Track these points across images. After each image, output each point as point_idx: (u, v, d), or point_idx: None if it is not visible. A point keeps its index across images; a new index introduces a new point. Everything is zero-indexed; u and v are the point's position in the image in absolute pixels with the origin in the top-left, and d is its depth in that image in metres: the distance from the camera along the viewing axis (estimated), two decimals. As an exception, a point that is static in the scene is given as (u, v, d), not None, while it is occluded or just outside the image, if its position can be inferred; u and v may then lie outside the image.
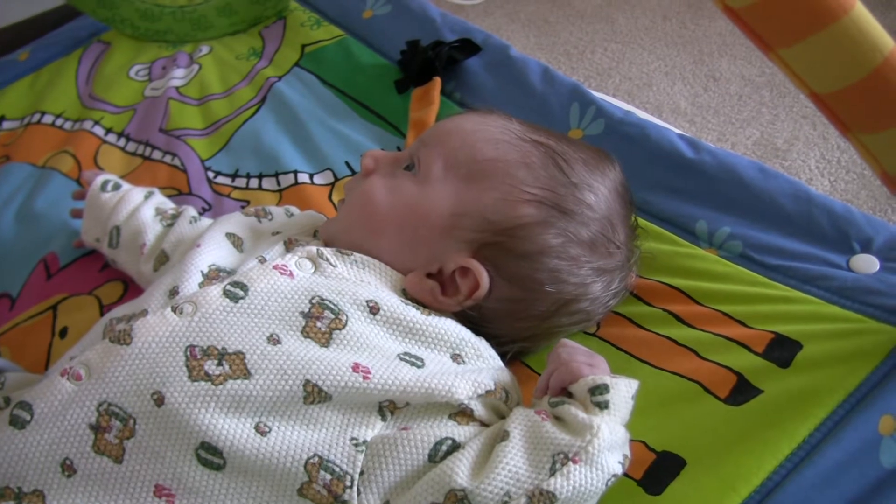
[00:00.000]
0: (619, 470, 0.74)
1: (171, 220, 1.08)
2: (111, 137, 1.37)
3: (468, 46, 1.30)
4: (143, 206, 1.09)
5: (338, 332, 0.80)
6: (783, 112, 1.83)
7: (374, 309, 0.83)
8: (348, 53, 1.42)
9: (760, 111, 1.85)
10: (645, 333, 0.95)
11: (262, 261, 0.88)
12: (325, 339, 0.80)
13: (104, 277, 1.14)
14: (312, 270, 0.86)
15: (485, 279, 0.86)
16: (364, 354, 0.79)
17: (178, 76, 1.45)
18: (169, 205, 1.13)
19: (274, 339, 0.79)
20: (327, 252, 0.88)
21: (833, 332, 0.88)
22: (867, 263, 0.94)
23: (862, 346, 0.86)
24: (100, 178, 1.13)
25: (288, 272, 0.85)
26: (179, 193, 1.25)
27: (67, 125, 1.41)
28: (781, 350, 0.88)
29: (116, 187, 1.13)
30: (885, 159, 0.75)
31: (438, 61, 1.27)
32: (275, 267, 0.85)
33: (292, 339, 0.79)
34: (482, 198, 0.88)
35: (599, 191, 0.91)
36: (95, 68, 1.51)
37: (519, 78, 1.26)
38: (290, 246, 0.92)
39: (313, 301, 0.82)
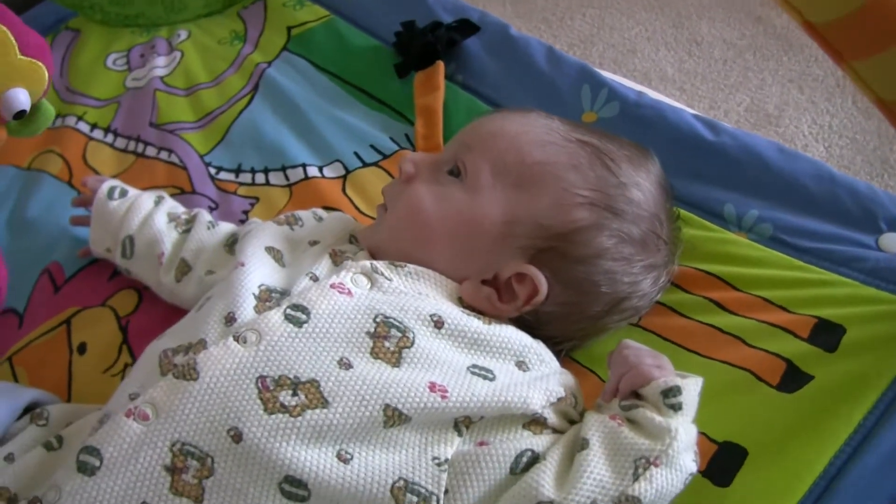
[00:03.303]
0: (694, 468, 0.76)
1: (185, 226, 1.06)
2: (97, 134, 1.32)
3: (466, 26, 1.28)
4: (155, 213, 1.06)
5: (407, 350, 0.80)
6: (769, 76, 1.85)
7: (438, 323, 0.82)
8: (338, 35, 1.38)
9: (747, 76, 1.87)
10: (688, 322, 0.96)
11: (314, 278, 0.87)
12: (396, 359, 0.79)
13: (115, 286, 1.11)
14: (369, 286, 0.85)
15: (544, 285, 0.86)
16: (436, 371, 0.79)
17: (161, 65, 1.39)
18: (180, 209, 1.10)
19: (345, 364, 0.78)
20: (381, 266, 0.87)
21: (873, 315, 0.90)
22: (895, 242, 0.96)
23: (902, 327, 0.89)
24: (105, 185, 1.09)
25: (346, 290, 0.83)
26: (182, 192, 1.21)
27: (49, 122, 1.35)
28: (826, 335, 0.90)
29: (123, 194, 1.09)
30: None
31: (439, 44, 1.25)
32: (332, 286, 0.83)
33: (363, 361, 0.79)
34: (534, 203, 0.88)
35: (645, 187, 0.91)
36: (68, 59, 1.45)
37: (523, 59, 1.25)
38: (336, 259, 0.90)
39: (377, 320, 0.81)
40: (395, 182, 0.97)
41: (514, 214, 0.88)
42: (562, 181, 0.88)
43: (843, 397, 0.85)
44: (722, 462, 0.84)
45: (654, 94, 1.18)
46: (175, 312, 1.04)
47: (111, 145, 1.30)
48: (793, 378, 0.88)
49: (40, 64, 0.90)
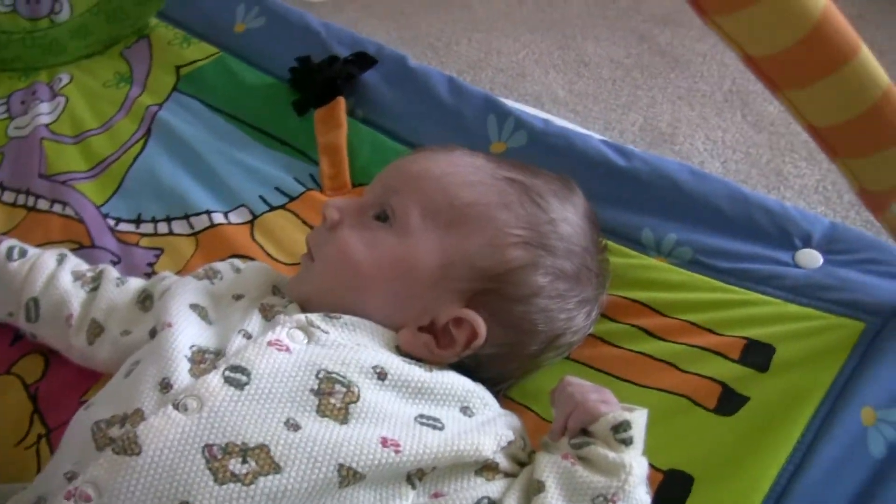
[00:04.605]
0: (649, 500, 0.77)
1: (93, 284, 1.01)
2: (-18, 188, 1.24)
3: (363, 60, 1.26)
4: (59, 273, 1.01)
5: (353, 405, 0.77)
6: (658, 94, 1.89)
7: (381, 374, 0.80)
8: (230, 73, 1.35)
9: (637, 94, 1.90)
10: (618, 351, 0.97)
11: (247, 336, 0.83)
12: (343, 416, 0.77)
13: (18, 352, 1.05)
14: (306, 341, 0.82)
15: (482, 328, 0.85)
16: (385, 425, 0.77)
17: (45, 111, 1.33)
18: (84, 266, 1.04)
19: (292, 425, 0.75)
20: (316, 319, 0.84)
21: (800, 332, 0.93)
22: (811, 258, 0.99)
23: (828, 342, 0.91)
24: (3, 246, 1.03)
25: (284, 347, 0.80)
26: (81, 247, 1.15)
27: (-74, 179, 1.27)
28: (756, 355, 0.92)
29: (23, 253, 1.03)
30: (866, 178, 0.80)
31: (339, 79, 1.23)
32: (269, 343, 0.80)
33: (311, 420, 0.76)
34: (467, 245, 0.87)
35: (574, 221, 0.91)
36: (-59, 108, 1.37)
37: (424, 91, 1.24)
38: (266, 314, 0.87)
39: (320, 376, 0.78)
40: (319, 230, 0.94)
41: (449, 257, 0.86)
42: (494, 221, 0.87)
43: (780, 415, 0.87)
44: (670, 490, 0.84)
45: (559, 122, 1.18)
46: (87, 375, 1.00)
47: (-1, 200, 1.24)
48: (729, 400, 0.89)
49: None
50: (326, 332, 0.83)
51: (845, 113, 0.73)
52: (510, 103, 1.19)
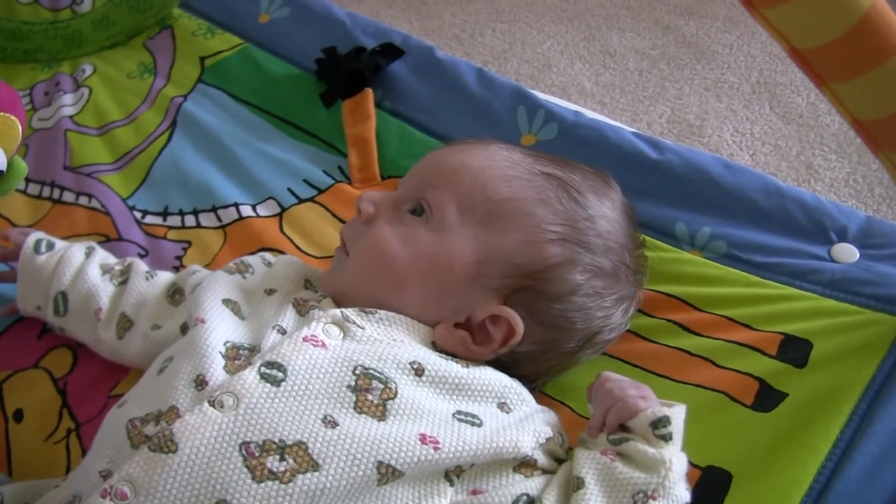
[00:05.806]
0: (688, 497, 0.76)
1: (121, 278, 1.00)
2: (7, 180, 1.24)
3: (390, 50, 1.25)
4: (87, 266, 1.00)
5: (391, 402, 0.77)
6: (686, 86, 1.88)
7: (418, 370, 0.80)
8: (255, 64, 1.34)
9: (664, 86, 1.89)
10: (654, 346, 0.96)
11: (282, 331, 0.83)
12: (381, 412, 0.76)
13: (45, 345, 1.05)
14: (342, 336, 0.82)
15: (521, 326, 0.84)
16: (424, 422, 0.76)
17: (68, 103, 1.32)
18: (112, 259, 1.04)
19: (330, 421, 0.74)
20: (352, 314, 0.83)
21: (837, 327, 0.92)
22: (847, 253, 0.98)
23: (866, 338, 0.90)
24: (31, 239, 1.02)
25: (320, 343, 0.80)
26: (108, 240, 1.15)
27: (-50, 171, 1.26)
28: (794, 351, 0.91)
29: (51, 246, 1.02)
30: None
31: (367, 70, 1.21)
32: (305, 339, 0.80)
33: (348, 418, 0.75)
34: (505, 241, 0.85)
35: (612, 217, 0.90)
36: (-36, 100, 1.36)
37: (453, 82, 1.22)
38: (301, 309, 0.86)
39: (357, 372, 0.78)
40: (353, 223, 0.93)
41: (486, 253, 0.85)
42: (532, 217, 0.86)
43: (818, 412, 0.86)
44: (709, 487, 0.83)
45: (590, 114, 1.17)
46: (115, 369, 1.00)
47: (24, 192, 1.23)
48: (767, 396, 0.88)
49: (14, 118, 0.82)
50: (362, 328, 0.83)
51: (891, 106, 0.72)
52: (540, 95, 1.18)
